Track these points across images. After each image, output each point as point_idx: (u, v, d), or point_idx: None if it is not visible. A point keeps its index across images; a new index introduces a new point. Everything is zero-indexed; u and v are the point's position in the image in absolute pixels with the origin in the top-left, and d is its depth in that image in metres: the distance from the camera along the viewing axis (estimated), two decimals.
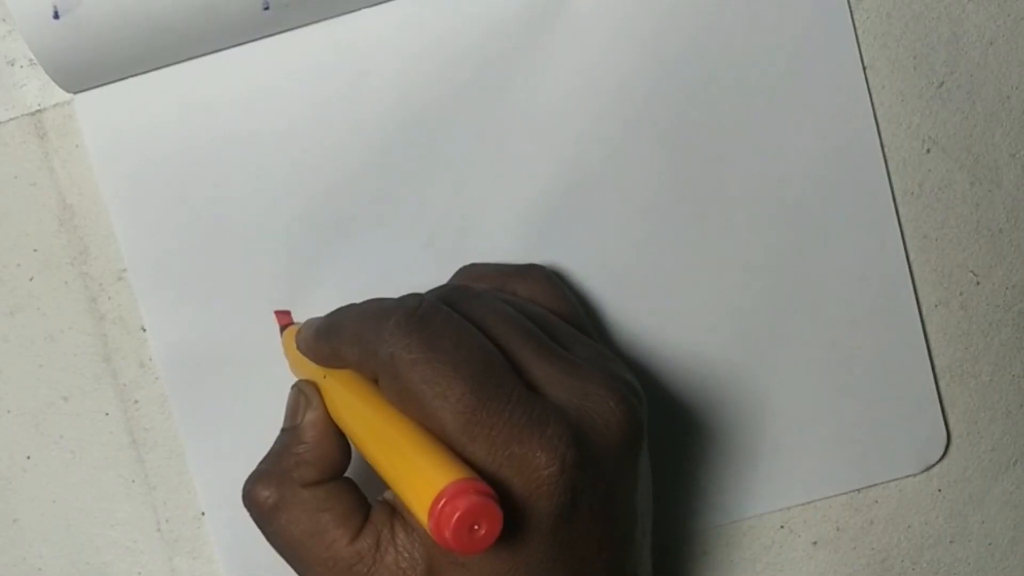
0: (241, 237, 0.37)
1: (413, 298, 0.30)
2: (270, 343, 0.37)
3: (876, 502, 0.39)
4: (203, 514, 0.38)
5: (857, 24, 0.37)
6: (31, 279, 0.37)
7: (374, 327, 0.29)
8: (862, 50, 0.37)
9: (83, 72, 0.35)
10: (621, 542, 0.29)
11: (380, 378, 0.29)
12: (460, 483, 0.25)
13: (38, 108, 0.37)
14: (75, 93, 0.36)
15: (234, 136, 0.36)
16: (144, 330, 0.37)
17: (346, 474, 0.31)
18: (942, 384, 0.38)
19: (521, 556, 0.27)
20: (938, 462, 0.39)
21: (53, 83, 0.35)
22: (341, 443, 0.31)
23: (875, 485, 0.39)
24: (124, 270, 0.37)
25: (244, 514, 0.37)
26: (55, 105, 0.37)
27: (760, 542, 0.39)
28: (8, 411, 0.38)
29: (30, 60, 0.37)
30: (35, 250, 0.37)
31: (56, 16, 0.33)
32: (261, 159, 0.37)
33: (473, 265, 0.36)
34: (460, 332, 0.29)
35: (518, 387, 0.28)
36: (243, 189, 0.37)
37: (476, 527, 0.24)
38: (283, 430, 0.32)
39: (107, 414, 0.38)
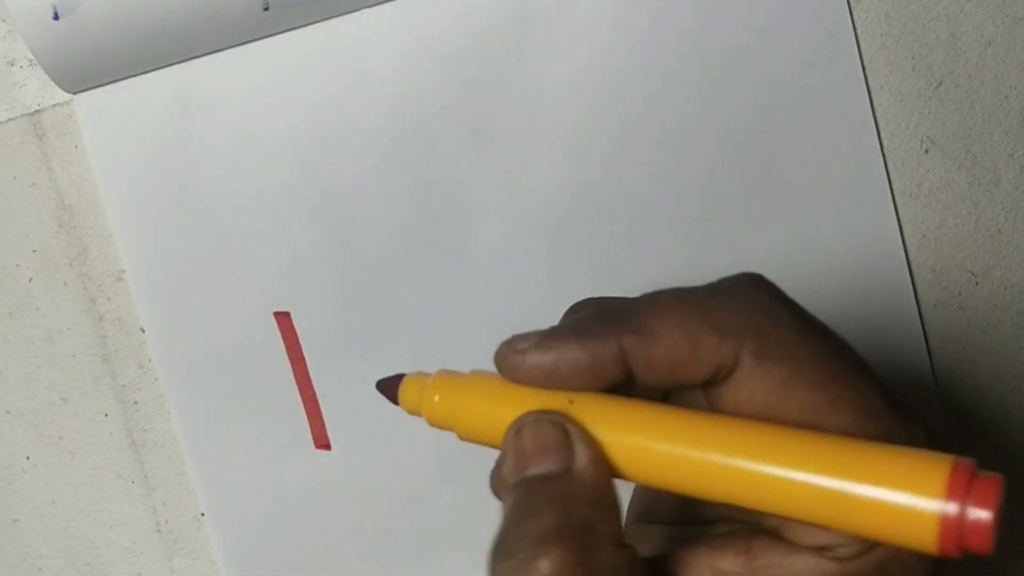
0: (240, 238, 0.37)
1: (757, 275, 0.24)
2: (269, 344, 0.37)
3: None
4: (203, 515, 0.38)
5: (856, 24, 0.37)
6: (30, 280, 0.37)
7: (726, 302, 0.22)
8: (861, 50, 0.37)
9: (83, 72, 0.35)
10: None
11: (747, 368, 0.21)
12: (966, 465, 0.19)
13: (37, 108, 0.37)
14: (74, 93, 0.36)
15: (234, 136, 0.36)
16: (143, 331, 0.37)
17: None
18: (941, 384, 0.39)
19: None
20: None
21: (53, 83, 0.35)
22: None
23: None
24: (123, 271, 0.37)
25: (244, 514, 0.37)
26: (54, 105, 0.37)
27: None
28: (7, 412, 0.38)
29: (30, 60, 0.36)
30: (34, 251, 0.37)
31: (56, 17, 0.33)
32: (261, 159, 0.36)
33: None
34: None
35: None
36: (242, 189, 0.37)
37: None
38: (530, 480, 0.22)
39: (106, 415, 0.38)
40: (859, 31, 0.37)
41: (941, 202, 0.38)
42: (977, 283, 0.38)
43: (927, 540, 0.19)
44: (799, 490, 0.20)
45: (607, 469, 0.22)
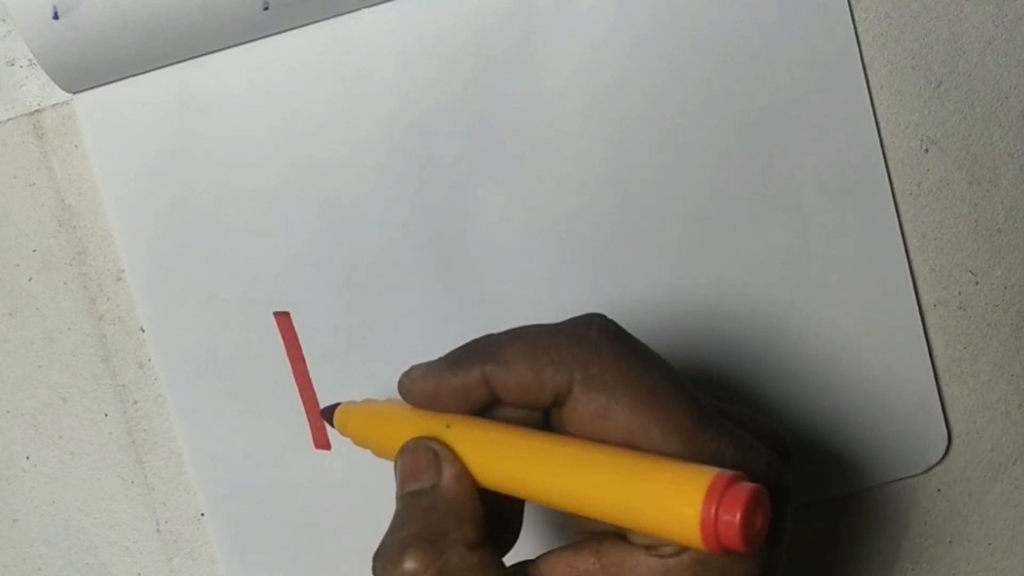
0: (240, 237, 0.37)
1: (599, 315, 0.27)
2: (269, 344, 0.37)
3: (876, 502, 0.39)
4: (202, 515, 0.38)
5: (857, 24, 0.37)
6: (30, 279, 0.37)
7: (565, 339, 0.26)
8: (862, 50, 0.37)
9: (82, 72, 0.35)
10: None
11: (577, 396, 0.25)
12: (724, 477, 0.22)
13: (37, 108, 0.37)
14: (74, 93, 0.36)
15: (233, 136, 0.36)
16: (143, 331, 0.37)
17: None
18: (941, 384, 0.39)
19: (759, 570, 0.25)
20: (939, 462, 0.39)
21: (52, 83, 0.35)
22: (480, 503, 0.27)
23: (876, 485, 0.39)
24: (123, 270, 0.37)
25: (244, 514, 0.37)
26: (54, 105, 0.37)
27: None
28: (7, 411, 0.38)
29: (30, 60, 0.36)
30: (34, 250, 0.37)
31: (56, 17, 0.33)
32: (260, 159, 0.36)
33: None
34: (649, 349, 0.27)
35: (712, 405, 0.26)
36: (242, 189, 0.37)
37: (753, 519, 0.22)
38: (408, 494, 0.27)
39: (106, 415, 0.38)
40: (859, 30, 0.37)
41: (941, 202, 0.38)
42: (977, 283, 0.38)
43: (695, 538, 0.22)
44: (598, 496, 0.24)
45: (468, 484, 0.26)
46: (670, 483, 0.23)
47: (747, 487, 0.22)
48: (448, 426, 0.27)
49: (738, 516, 0.21)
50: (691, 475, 0.22)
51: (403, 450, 0.28)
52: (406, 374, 0.28)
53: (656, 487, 0.23)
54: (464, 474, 0.27)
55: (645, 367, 0.25)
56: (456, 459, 0.27)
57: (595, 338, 0.26)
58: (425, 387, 0.28)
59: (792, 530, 0.27)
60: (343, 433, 0.32)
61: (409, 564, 0.25)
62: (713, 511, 0.22)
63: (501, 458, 0.26)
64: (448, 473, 0.27)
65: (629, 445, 0.24)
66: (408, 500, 0.27)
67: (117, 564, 0.38)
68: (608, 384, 0.25)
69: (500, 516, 0.28)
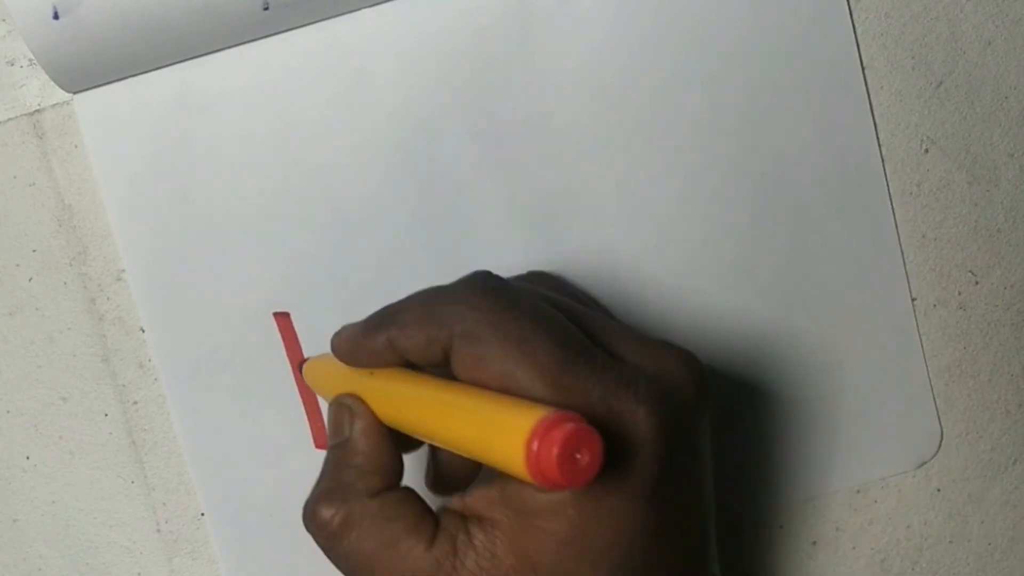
0: (240, 237, 0.37)
1: (480, 273, 0.29)
2: (269, 344, 0.37)
3: (875, 502, 0.39)
4: (203, 515, 0.38)
5: (856, 24, 0.37)
6: (30, 280, 0.37)
7: (445, 300, 0.28)
8: (861, 50, 0.37)
9: (82, 72, 0.35)
10: (711, 504, 0.29)
11: (456, 350, 0.28)
12: (550, 417, 0.24)
13: (37, 108, 0.37)
14: (74, 93, 0.36)
15: (233, 136, 0.36)
16: (143, 331, 0.37)
17: (410, 488, 0.30)
18: (941, 384, 0.39)
19: (628, 522, 0.27)
20: (932, 458, 0.39)
21: (52, 83, 0.35)
22: (395, 449, 0.30)
23: (874, 485, 0.39)
24: (123, 271, 0.37)
25: (244, 514, 0.37)
26: (54, 105, 0.37)
27: (760, 542, 0.39)
28: (7, 411, 0.38)
29: (30, 60, 0.36)
30: (34, 250, 0.37)
31: (56, 17, 0.33)
32: (260, 159, 0.36)
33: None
34: (534, 299, 0.28)
35: (600, 349, 0.27)
36: (242, 189, 0.37)
37: (578, 456, 0.23)
38: (331, 448, 0.30)
39: (106, 415, 0.38)
40: (859, 31, 0.37)
41: (941, 202, 0.38)
42: (977, 283, 0.38)
43: (525, 472, 0.24)
44: (464, 435, 0.26)
45: (374, 436, 0.29)
46: (507, 423, 0.25)
47: (569, 426, 0.23)
48: (371, 374, 0.30)
49: (555, 451, 0.23)
50: (524, 416, 0.24)
51: (329, 407, 0.31)
52: (336, 334, 0.31)
53: (499, 427, 0.25)
54: (371, 428, 0.30)
55: (516, 317, 0.27)
56: (366, 413, 0.30)
57: (474, 294, 0.28)
58: (347, 348, 0.31)
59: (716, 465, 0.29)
60: (310, 384, 0.35)
61: (321, 515, 0.29)
62: (535, 447, 0.23)
63: (399, 405, 0.29)
64: (357, 428, 0.30)
65: (504, 391, 0.26)
66: (329, 454, 0.30)
67: (117, 564, 0.38)
68: (481, 337, 0.27)
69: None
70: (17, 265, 0.37)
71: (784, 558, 0.39)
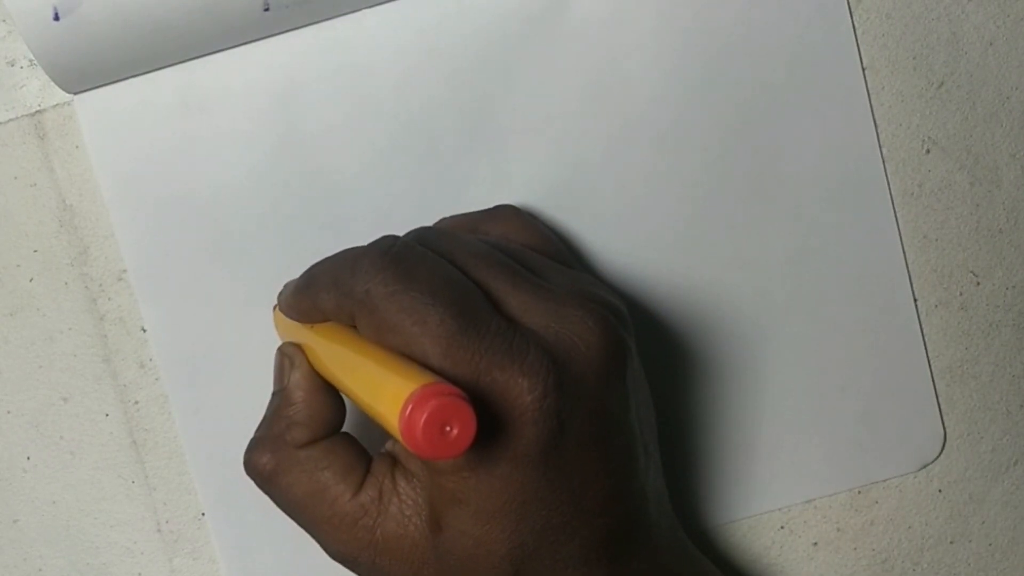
0: (241, 238, 0.37)
1: (387, 238, 0.30)
2: (270, 344, 0.37)
3: (876, 502, 0.39)
4: (203, 514, 0.38)
5: (857, 24, 0.37)
6: (31, 280, 0.37)
7: (349, 268, 0.29)
8: (861, 50, 0.37)
9: (83, 73, 0.35)
10: (621, 462, 0.29)
11: (357, 318, 0.28)
12: (427, 387, 0.24)
13: (38, 108, 0.37)
14: (75, 94, 0.36)
15: (234, 136, 0.36)
16: (144, 331, 0.37)
17: (349, 431, 0.31)
18: (942, 385, 0.38)
19: (517, 487, 0.27)
20: (935, 460, 0.39)
21: (53, 83, 0.35)
22: (331, 399, 0.31)
23: (875, 486, 0.39)
24: (124, 271, 0.37)
25: (244, 514, 0.37)
26: (55, 105, 0.37)
27: (760, 542, 0.39)
28: (8, 412, 0.38)
29: (30, 60, 0.37)
30: (35, 251, 0.37)
31: (56, 18, 0.33)
32: (261, 159, 0.37)
33: (442, 219, 0.36)
34: (435, 266, 0.28)
35: (496, 317, 0.28)
36: (243, 189, 0.37)
37: (448, 428, 0.24)
38: (272, 394, 0.32)
39: (107, 415, 0.38)
40: (859, 31, 0.37)
41: (942, 202, 0.38)
42: (978, 283, 0.38)
43: (400, 438, 0.24)
44: (364, 398, 0.27)
45: (306, 387, 0.30)
46: (390, 390, 0.25)
47: (439, 399, 0.24)
48: (312, 328, 0.31)
49: (422, 422, 0.24)
50: (404, 384, 0.25)
51: (276, 353, 0.32)
52: (281, 290, 0.33)
53: (384, 392, 0.26)
54: (305, 379, 0.31)
55: (411, 287, 0.27)
56: (302, 364, 0.31)
57: (374, 262, 0.28)
58: (285, 305, 0.32)
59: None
60: (276, 330, 0.36)
61: (255, 461, 0.30)
62: (407, 415, 0.24)
63: (322, 360, 0.30)
64: (292, 378, 0.31)
65: (407, 355, 0.27)
66: (271, 400, 0.32)
67: (118, 564, 0.38)
68: (378, 306, 0.27)
69: None
70: (18, 265, 0.37)
71: (785, 558, 0.39)
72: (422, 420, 0.24)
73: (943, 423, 0.38)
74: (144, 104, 0.36)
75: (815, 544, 0.39)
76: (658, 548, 0.31)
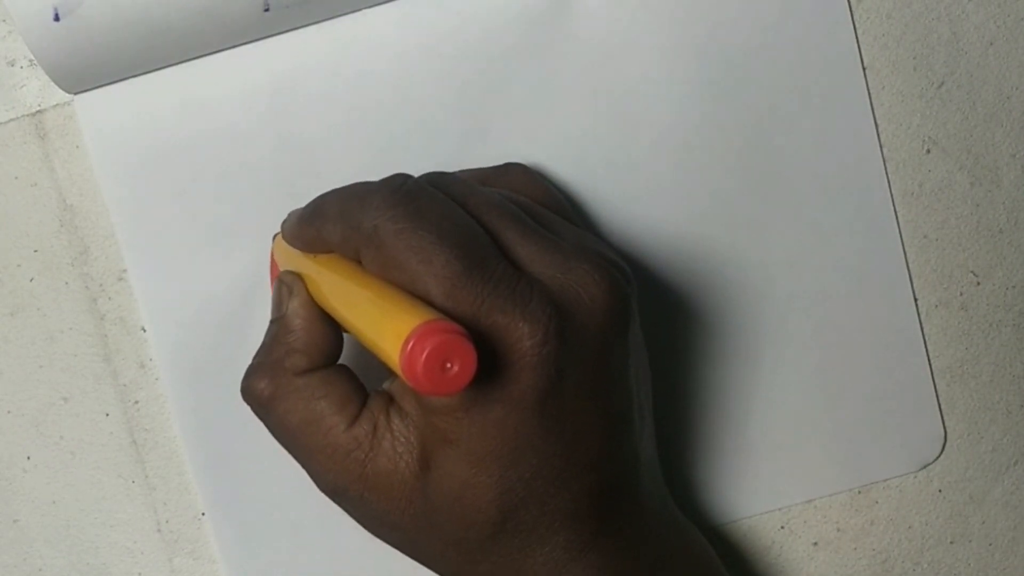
0: (241, 237, 0.37)
1: (398, 176, 0.30)
2: None
3: (877, 502, 0.39)
4: (203, 514, 0.38)
5: (857, 24, 0.37)
6: (31, 280, 0.37)
7: (359, 202, 0.29)
8: (862, 50, 0.37)
9: (83, 74, 0.35)
10: (617, 420, 0.29)
11: (363, 252, 0.28)
12: (429, 323, 0.24)
13: (38, 108, 0.37)
14: (75, 94, 0.36)
15: (234, 136, 0.36)
16: (144, 330, 0.37)
17: (346, 366, 0.31)
18: (942, 384, 0.38)
19: (510, 432, 0.27)
20: (935, 460, 0.39)
21: (53, 83, 0.35)
22: (330, 329, 0.30)
23: (875, 486, 0.39)
24: (124, 270, 0.37)
25: (244, 514, 0.38)
26: (55, 105, 0.37)
27: (760, 542, 0.39)
28: (8, 412, 0.38)
29: (30, 60, 0.37)
30: (35, 251, 0.37)
31: (56, 19, 0.33)
32: (261, 159, 0.37)
33: (444, 174, 0.35)
34: (445, 207, 0.28)
35: (502, 262, 0.28)
36: (243, 189, 0.37)
37: (449, 365, 0.24)
38: (271, 322, 0.32)
39: (107, 415, 0.38)
40: (860, 31, 0.37)
41: (943, 202, 0.38)
42: (979, 283, 0.38)
43: (400, 373, 0.24)
44: (365, 332, 0.27)
45: (304, 315, 0.30)
46: (392, 324, 0.25)
47: (442, 335, 0.24)
48: (314, 258, 0.31)
49: (423, 357, 0.24)
50: (407, 319, 0.25)
51: (275, 282, 0.32)
52: (285, 218, 0.33)
53: (386, 326, 0.26)
54: (304, 307, 0.30)
55: (419, 225, 0.27)
56: (301, 292, 0.31)
57: (385, 199, 0.28)
58: (289, 234, 0.32)
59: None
60: (276, 262, 0.35)
61: (253, 387, 0.30)
62: (408, 349, 0.24)
63: (324, 290, 0.30)
64: (291, 305, 0.31)
65: (410, 292, 0.27)
66: (269, 327, 0.31)
67: (118, 564, 0.38)
68: (385, 243, 0.27)
69: None
70: (18, 265, 0.37)
71: (785, 558, 0.39)
72: (423, 356, 0.24)
73: (944, 423, 0.38)
74: (144, 104, 0.36)
75: (815, 544, 0.39)
76: (646, 513, 0.31)
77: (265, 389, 0.30)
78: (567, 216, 0.33)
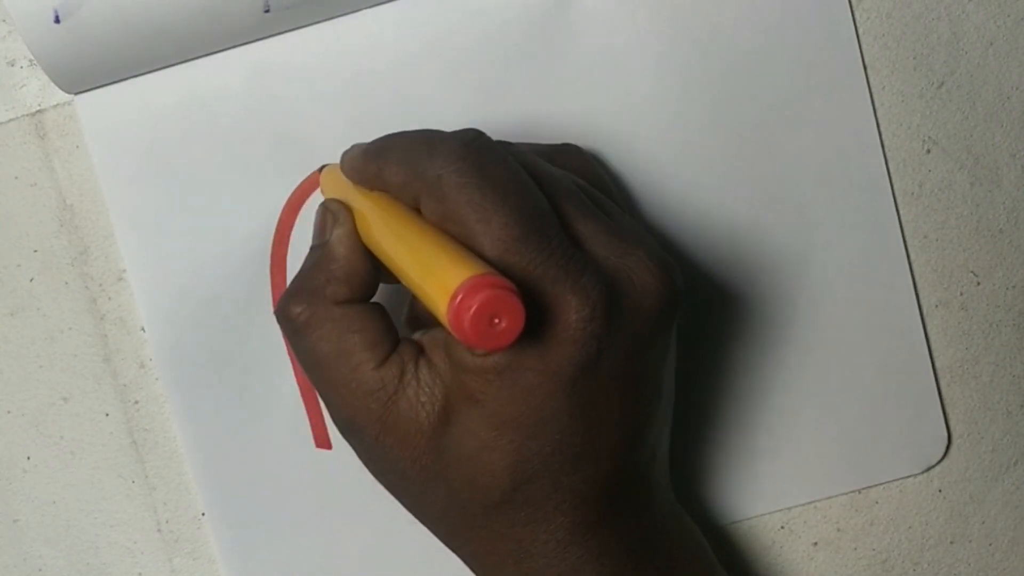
0: (241, 238, 0.37)
1: (470, 130, 0.30)
2: (270, 344, 0.37)
3: (877, 503, 0.39)
4: (203, 514, 0.38)
5: (858, 24, 0.37)
6: (31, 280, 0.37)
7: (426, 149, 0.29)
8: (863, 50, 0.37)
9: (84, 74, 0.35)
10: (644, 412, 0.29)
11: (423, 200, 0.28)
12: (481, 276, 0.24)
13: (38, 108, 0.37)
14: (75, 94, 0.36)
15: (234, 136, 0.36)
16: (144, 330, 0.37)
17: (381, 306, 0.31)
18: (942, 384, 0.38)
19: (537, 402, 0.27)
20: (939, 462, 0.39)
21: (53, 84, 0.35)
22: (370, 263, 0.30)
23: (876, 485, 0.39)
24: (124, 270, 0.37)
25: (244, 514, 0.38)
26: (55, 106, 0.37)
27: (760, 543, 0.39)
28: (8, 411, 0.38)
29: (30, 60, 0.37)
30: (35, 251, 0.37)
31: (57, 20, 0.33)
32: (261, 159, 0.37)
33: (508, 143, 0.35)
34: (512, 168, 0.28)
35: (560, 234, 0.27)
36: (243, 189, 0.37)
37: (496, 320, 0.24)
38: (312, 248, 0.31)
39: (107, 415, 0.38)
40: (860, 31, 0.37)
41: (943, 202, 0.38)
42: (979, 283, 0.38)
43: (447, 322, 0.25)
44: (413, 275, 0.27)
45: (348, 245, 0.30)
46: (444, 273, 0.25)
47: (494, 289, 0.24)
48: (367, 194, 0.31)
49: (473, 308, 0.24)
50: (459, 269, 0.25)
51: (319, 207, 0.32)
52: (347, 150, 0.32)
53: (438, 274, 0.26)
54: (348, 236, 0.30)
55: (484, 184, 0.27)
56: (347, 221, 0.31)
57: (453, 151, 0.28)
58: (348, 167, 0.32)
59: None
60: (322, 192, 0.35)
61: (290, 310, 0.30)
62: (458, 300, 0.24)
63: (374, 228, 0.30)
64: (336, 233, 0.30)
65: (464, 244, 0.27)
66: (310, 254, 0.31)
67: (118, 564, 0.38)
68: (447, 195, 0.27)
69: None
70: (18, 265, 0.37)
71: (785, 559, 0.39)
72: (472, 309, 0.24)
73: (947, 425, 0.38)
74: (144, 104, 0.36)
75: (815, 544, 0.39)
76: (652, 507, 0.31)
77: (302, 314, 0.29)
78: (618, 204, 0.33)
